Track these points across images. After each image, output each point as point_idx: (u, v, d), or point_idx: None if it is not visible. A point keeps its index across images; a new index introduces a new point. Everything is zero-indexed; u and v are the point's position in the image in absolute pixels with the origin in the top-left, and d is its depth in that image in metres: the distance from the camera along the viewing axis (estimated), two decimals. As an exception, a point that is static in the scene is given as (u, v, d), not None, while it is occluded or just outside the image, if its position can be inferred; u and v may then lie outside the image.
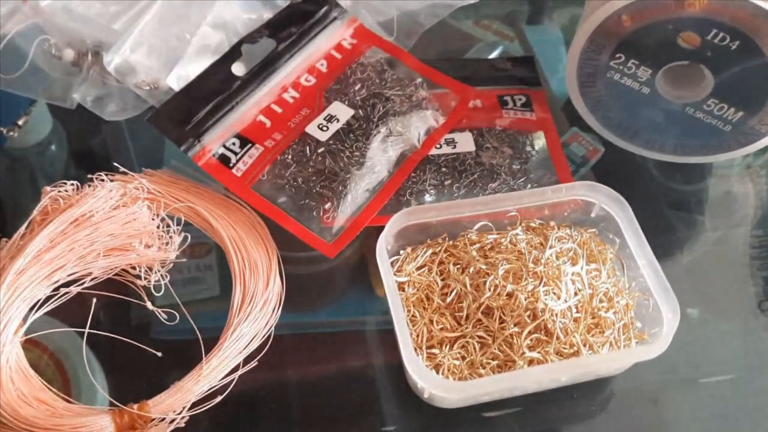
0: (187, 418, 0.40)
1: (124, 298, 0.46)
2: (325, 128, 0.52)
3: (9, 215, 0.53)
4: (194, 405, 0.41)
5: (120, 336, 0.43)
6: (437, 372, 0.42)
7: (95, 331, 0.42)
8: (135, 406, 0.40)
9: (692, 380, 0.46)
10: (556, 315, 0.42)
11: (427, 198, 0.51)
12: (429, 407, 0.43)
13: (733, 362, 0.47)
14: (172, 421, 0.40)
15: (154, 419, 0.40)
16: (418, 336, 0.43)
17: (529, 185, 0.52)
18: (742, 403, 0.46)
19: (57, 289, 0.44)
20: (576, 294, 0.43)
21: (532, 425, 0.44)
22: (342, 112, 0.53)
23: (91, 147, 0.58)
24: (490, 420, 0.44)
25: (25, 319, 0.42)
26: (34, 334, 0.43)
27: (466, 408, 0.43)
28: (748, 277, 0.51)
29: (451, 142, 0.53)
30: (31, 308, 0.43)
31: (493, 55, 0.64)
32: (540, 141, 0.55)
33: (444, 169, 0.52)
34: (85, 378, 0.42)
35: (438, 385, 0.39)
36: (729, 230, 0.55)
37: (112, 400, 0.41)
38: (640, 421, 0.45)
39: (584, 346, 0.42)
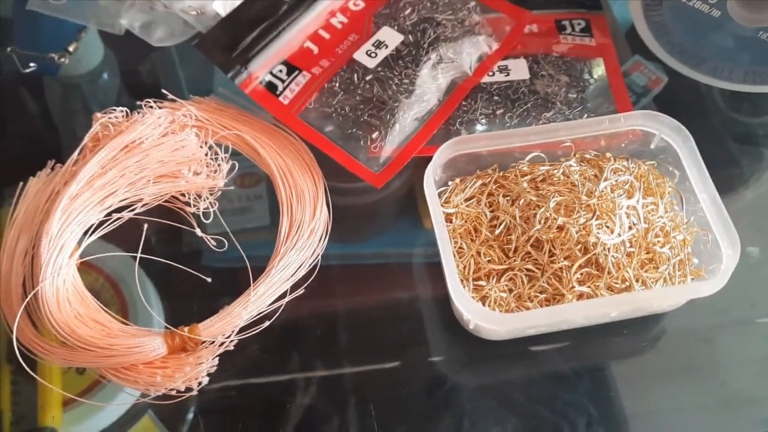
0: (236, 341, 0.41)
1: (175, 224, 0.46)
2: (373, 55, 0.50)
3: (64, 143, 0.54)
4: (243, 330, 0.42)
5: (173, 262, 0.44)
6: (483, 304, 0.42)
7: (147, 256, 0.43)
8: (186, 329, 0.41)
9: (748, 320, 0.45)
10: (609, 249, 0.41)
11: (478, 128, 0.49)
12: (475, 339, 0.43)
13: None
14: (222, 344, 0.41)
15: (204, 342, 0.41)
16: (465, 268, 0.43)
17: (586, 115, 0.49)
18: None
19: (110, 214, 0.45)
20: (630, 228, 0.42)
21: (580, 360, 0.44)
22: (391, 37, 0.51)
23: (142, 74, 0.58)
24: (537, 354, 0.43)
25: (79, 243, 0.44)
26: (90, 257, 0.44)
27: (513, 341, 0.43)
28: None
29: (504, 70, 0.51)
30: (85, 232, 0.44)
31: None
32: (599, 68, 0.52)
33: (496, 98, 0.50)
34: (141, 301, 0.43)
35: (483, 317, 0.39)
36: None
37: (163, 323, 0.42)
38: (693, 360, 0.44)
39: (637, 281, 0.41)
